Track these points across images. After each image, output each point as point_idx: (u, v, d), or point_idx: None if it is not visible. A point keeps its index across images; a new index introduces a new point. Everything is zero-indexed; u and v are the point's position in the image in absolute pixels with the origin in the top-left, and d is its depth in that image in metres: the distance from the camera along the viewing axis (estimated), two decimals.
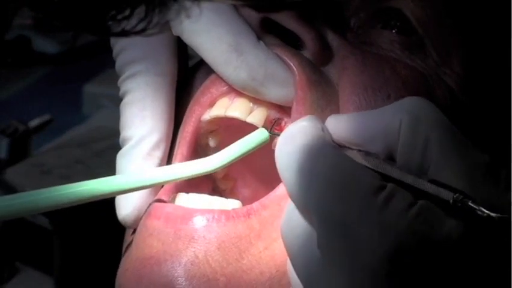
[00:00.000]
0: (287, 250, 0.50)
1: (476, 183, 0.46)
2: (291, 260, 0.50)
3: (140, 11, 0.36)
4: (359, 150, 0.49)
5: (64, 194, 0.52)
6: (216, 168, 0.58)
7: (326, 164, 0.48)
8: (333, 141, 0.51)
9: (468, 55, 0.62)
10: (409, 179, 0.46)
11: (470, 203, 0.44)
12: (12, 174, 1.10)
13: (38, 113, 1.21)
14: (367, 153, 0.49)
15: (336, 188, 0.46)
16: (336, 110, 0.58)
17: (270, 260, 0.55)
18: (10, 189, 1.05)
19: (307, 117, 0.52)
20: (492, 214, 0.44)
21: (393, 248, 0.44)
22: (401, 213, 0.44)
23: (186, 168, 0.58)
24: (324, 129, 0.51)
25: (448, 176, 0.46)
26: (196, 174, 0.58)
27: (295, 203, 0.49)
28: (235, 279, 0.54)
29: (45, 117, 1.20)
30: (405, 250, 0.44)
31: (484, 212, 0.44)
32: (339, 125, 0.51)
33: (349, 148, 0.50)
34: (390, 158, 0.49)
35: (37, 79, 1.39)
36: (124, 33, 0.37)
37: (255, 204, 0.56)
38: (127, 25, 0.37)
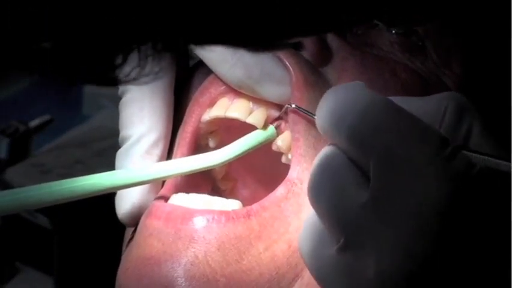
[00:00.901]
0: (319, 199, 0.49)
1: None
2: (326, 212, 0.49)
3: (134, 59, 0.36)
4: None
5: (66, 188, 0.52)
6: (222, 162, 0.58)
7: (398, 111, 0.47)
8: None
9: (468, 56, 0.62)
10: (470, 148, 0.48)
11: None
12: (12, 174, 1.10)
13: (38, 113, 1.20)
14: None
15: (404, 128, 0.46)
16: None
17: (270, 261, 0.55)
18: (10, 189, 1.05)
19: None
20: None
21: (461, 193, 0.45)
22: (466, 168, 0.45)
23: (191, 162, 0.58)
24: None
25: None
26: (201, 168, 0.58)
27: (351, 140, 0.48)
28: (235, 280, 0.54)
29: (45, 117, 1.20)
30: (468, 200, 0.45)
31: None
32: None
33: None
34: None
35: (37, 79, 1.39)
36: (116, 82, 0.37)
37: (255, 206, 0.56)
38: (120, 73, 0.37)
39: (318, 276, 0.49)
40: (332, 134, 0.49)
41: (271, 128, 0.59)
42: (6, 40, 0.35)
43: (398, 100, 0.50)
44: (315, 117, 0.50)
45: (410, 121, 0.47)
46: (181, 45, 0.36)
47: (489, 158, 0.47)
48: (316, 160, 0.50)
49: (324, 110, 0.49)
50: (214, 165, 0.58)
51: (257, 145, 0.59)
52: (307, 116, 0.57)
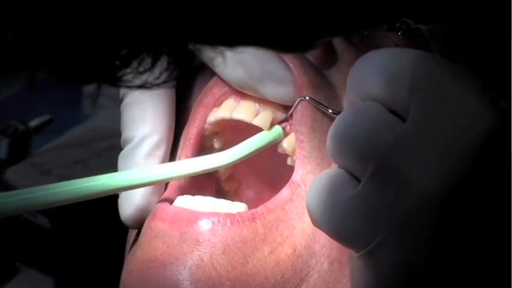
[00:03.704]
0: (346, 140, 0.49)
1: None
2: (354, 147, 0.48)
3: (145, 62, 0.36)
4: None
5: (71, 189, 0.52)
6: (228, 164, 0.58)
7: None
8: None
9: (473, 58, 0.62)
10: None
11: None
12: (12, 174, 1.10)
13: (38, 113, 1.20)
14: None
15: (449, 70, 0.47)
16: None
17: (275, 265, 0.55)
18: (10, 189, 1.05)
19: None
20: None
21: (494, 132, 0.45)
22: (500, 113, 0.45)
23: (197, 164, 0.58)
24: None
25: None
26: (207, 170, 0.58)
27: (391, 85, 0.48)
28: (240, 284, 0.54)
29: (45, 117, 1.20)
30: (500, 142, 0.45)
31: None
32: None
33: None
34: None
35: (37, 79, 1.39)
36: (125, 85, 0.37)
37: (260, 208, 0.56)
38: (128, 76, 0.37)
39: (333, 224, 0.48)
40: (370, 88, 0.49)
41: (277, 129, 0.59)
42: (10, 40, 0.35)
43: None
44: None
45: (452, 67, 0.47)
46: (211, 46, 0.36)
47: None
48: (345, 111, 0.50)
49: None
50: (220, 167, 0.58)
51: (264, 146, 0.58)
52: (310, 118, 0.57)
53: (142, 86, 0.37)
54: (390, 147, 0.46)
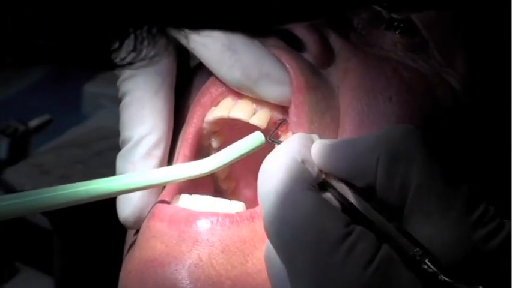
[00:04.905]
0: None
1: (449, 228, 0.45)
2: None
3: (129, 43, 0.36)
4: (341, 183, 0.49)
5: (70, 192, 0.52)
6: (211, 171, 0.57)
7: (296, 210, 0.47)
8: (319, 169, 0.50)
9: (472, 56, 0.62)
10: (380, 222, 0.46)
11: (427, 262, 0.44)
12: (12, 174, 1.10)
13: (38, 113, 1.20)
14: (347, 188, 0.49)
15: (301, 237, 0.46)
16: (337, 114, 0.58)
17: None
18: (10, 189, 1.05)
19: (295, 140, 0.52)
20: (448, 280, 0.44)
21: None
22: (361, 271, 0.44)
23: (181, 170, 0.57)
24: (305, 161, 0.50)
25: (420, 220, 0.46)
26: (192, 176, 0.57)
27: (268, 232, 0.49)
28: (241, 283, 0.54)
29: (45, 117, 1.20)
30: None
31: (440, 276, 0.44)
32: (322, 155, 0.51)
33: (329, 180, 0.50)
34: (373, 190, 0.48)
35: (37, 79, 1.39)
36: (112, 66, 0.37)
37: (258, 208, 0.56)
38: (116, 57, 0.37)
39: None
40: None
41: (259, 135, 0.58)
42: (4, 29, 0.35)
43: (339, 146, 0.50)
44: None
45: (311, 224, 0.46)
46: (175, 29, 0.36)
47: (396, 233, 0.46)
48: None
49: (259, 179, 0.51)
50: (201, 175, 0.57)
51: (246, 153, 0.58)
52: (307, 119, 0.57)
53: (132, 64, 0.37)
54: None
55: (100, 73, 1.34)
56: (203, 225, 0.55)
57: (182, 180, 0.58)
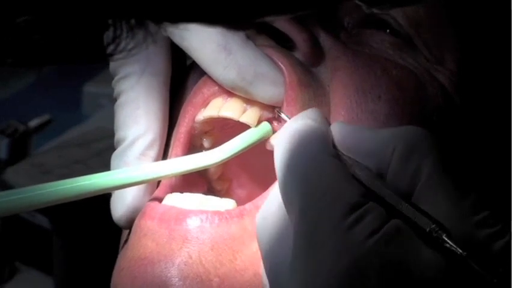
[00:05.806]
0: (260, 246, 0.51)
1: (456, 220, 0.45)
2: (262, 258, 0.50)
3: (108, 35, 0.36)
4: (356, 161, 0.49)
5: (63, 189, 0.52)
6: (219, 162, 0.58)
7: (316, 169, 0.47)
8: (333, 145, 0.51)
9: (462, 52, 0.62)
10: (393, 199, 0.46)
11: (444, 237, 0.44)
12: (12, 174, 1.10)
13: (38, 113, 1.21)
14: (361, 166, 0.49)
15: (316, 196, 0.46)
16: (328, 112, 0.58)
17: None
18: (10, 189, 1.05)
19: (313, 112, 0.52)
20: (463, 252, 0.44)
21: (351, 270, 0.43)
22: (365, 237, 0.44)
23: (188, 162, 0.58)
24: (329, 130, 0.51)
25: (430, 207, 0.46)
26: (198, 168, 0.58)
27: (282, 197, 0.49)
28: (228, 280, 0.54)
29: (45, 117, 1.20)
30: (363, 274, 0.43)
31: (456, 249, 0.44)
32: (342, 133, 0.51)
33: (345, 156, 0.50)
34: (381, 176, 0.49)
35: (37, 79, 1.40)
36: (91, 59, 0.37)
37: (248, 205, 0.56)
38: (95, 49, 0.37)
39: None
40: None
41: (266, 125, 0.59)
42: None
43: (358, 130, 0.51)
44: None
45: (327, 185, 0.46)
46: (154, 22, 0.36)
47: (410, 209, 0.46)
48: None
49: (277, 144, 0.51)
50: (211, 165, 0.58)
51: (254, 143, 0.58)
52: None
53: (111, 56, 0.37)
54: (275, 276, 0.48)
55: (99, 73, 1.34)
56: (193, 223, 0.55)
57: (190, 171, 0.58)
